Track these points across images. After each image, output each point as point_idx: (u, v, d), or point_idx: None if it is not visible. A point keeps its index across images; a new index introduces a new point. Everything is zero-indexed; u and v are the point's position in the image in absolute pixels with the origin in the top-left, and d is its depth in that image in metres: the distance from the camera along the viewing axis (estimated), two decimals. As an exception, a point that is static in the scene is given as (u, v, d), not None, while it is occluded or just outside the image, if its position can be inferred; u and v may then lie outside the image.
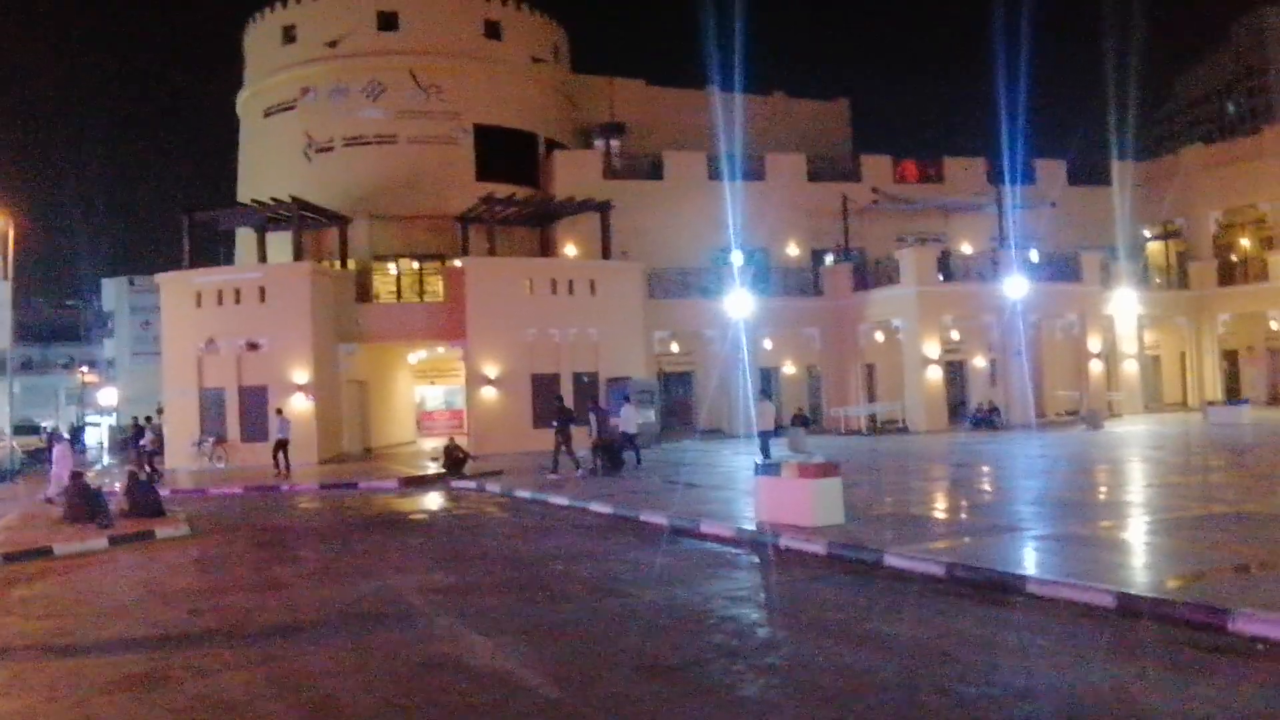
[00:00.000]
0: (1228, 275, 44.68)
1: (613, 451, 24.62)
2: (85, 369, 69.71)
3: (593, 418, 24.90)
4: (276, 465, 28.19)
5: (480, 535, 16.68)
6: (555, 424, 24.81)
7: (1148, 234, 47.30)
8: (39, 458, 34.92)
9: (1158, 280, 45.69)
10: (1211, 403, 39.31)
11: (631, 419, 26.26)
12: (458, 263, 35.32)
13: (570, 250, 39.07)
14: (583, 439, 25.10)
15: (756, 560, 12.65)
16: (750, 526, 14.29)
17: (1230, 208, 45.05)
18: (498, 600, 10.76)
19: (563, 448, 24.48)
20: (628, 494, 19.54)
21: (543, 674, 7.73)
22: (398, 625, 9.73)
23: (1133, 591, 9.06)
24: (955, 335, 39.36)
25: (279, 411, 30.30)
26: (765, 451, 23.53)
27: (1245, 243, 45.58)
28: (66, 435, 29.69)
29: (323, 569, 13.43)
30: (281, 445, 28.48)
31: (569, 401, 28.62)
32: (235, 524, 18.86)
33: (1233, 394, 42.79)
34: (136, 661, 8.63)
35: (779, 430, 29.59)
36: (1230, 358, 45.39)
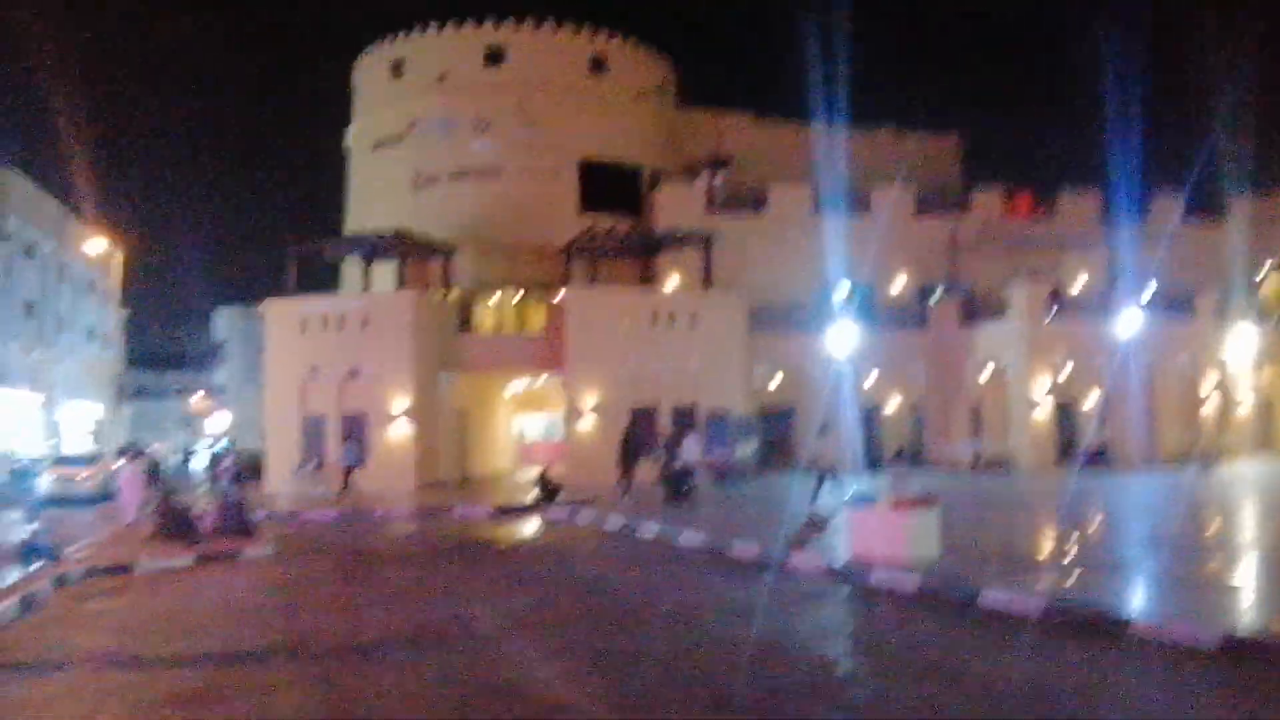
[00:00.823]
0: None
1: (675, 482, 24.95)
2: (200, 394, 71.43)
3: (663, 451, 26.12)
4: (345, 486, 29.42)
5: (563, 564, 16.56)
6: (624, 453, 26.11)
7: (1269, 270, 44.99)
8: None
9: (1276, 318, 43.40)
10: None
11: (693, 451, 26.36)
12: (559, 294, 35.27)
13: (673, 283, 38.79)
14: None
15: (845, 595, 12.27)
16: (841, 561, 13.82)
17: None
18: (571, 629, 10.50)
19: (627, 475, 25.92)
20: (720, 525, 19.20)
21: (606, 704, 7.33)
22: (464, 650, 9.51)
23: (1237, 634, 8.55)
24: (1065, 373, 37.89)
25: (349, 437, 31.58)
26: (815, 495, 22.70)
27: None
28: (143, 456, 30.09)
29: (400, 592, 13.40)
30: (349, 470, 29.75)
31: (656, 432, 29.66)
32: (323, 547, 19.01)
33: None
34: (192, 678, 8.56)
35: (879, 465, 28.83)
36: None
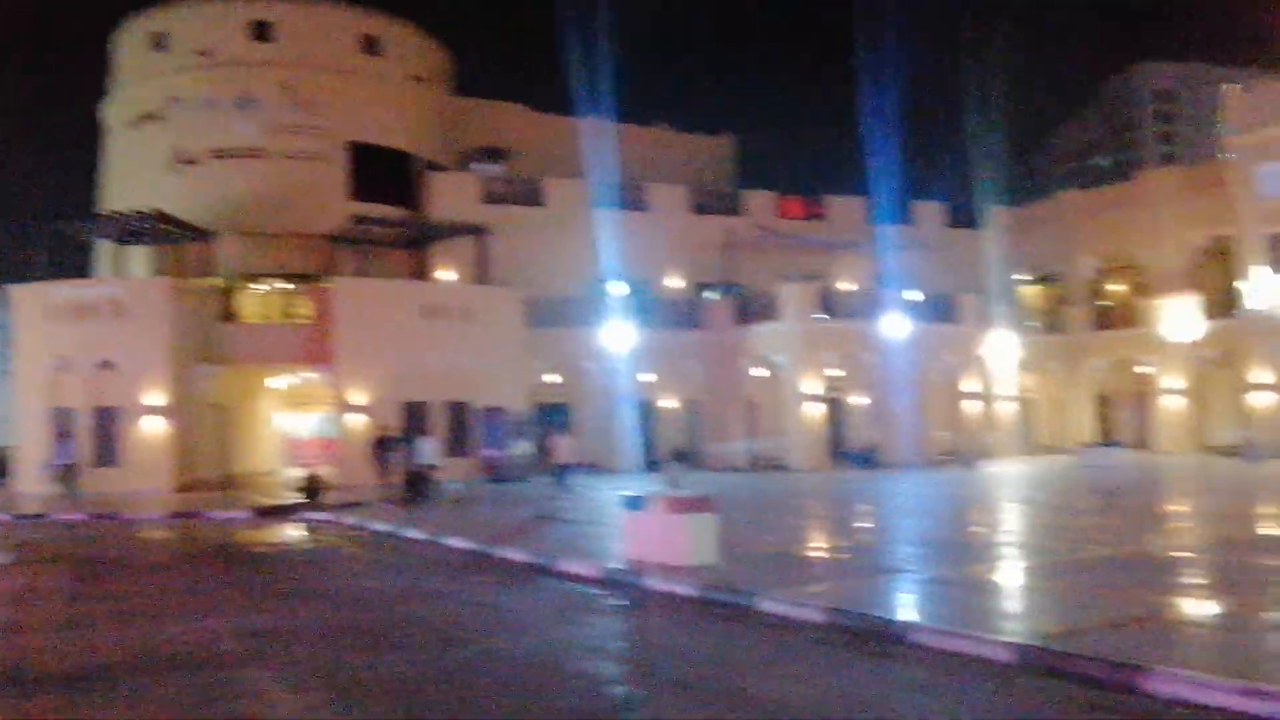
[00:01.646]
0: (1102, 321, 45.46)
1: (410, 483, 24.91)
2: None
3: (397, 450, 26.57)
4: (67, 487, 27.41)
5: (323, 571, 15.66)
6: (379, 453, 26.48)
7: (1024, 278, 47.82)
8: None
9: (1034, 324, 46.16)
10: (1083, 445, 39.76)
11: (427, 451, 26.25)
12: (327, 284, 33.66)
13: (447, 275, 37.73)
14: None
15: (621, 603, 11.75)
16: (617, 565, 13.34)
17: (1106, 254, 45.81)
18: (322, 648, 9.56)
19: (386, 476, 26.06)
20: (490, 529, 18.47)
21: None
22: (195, 675, 8.44)
23: (1032, 643, 8.33)
24: (836, 373, 38.99)
25: (62, 435, 29.84)
26: (563, 489, 23.07)
27: (1119, 289, 46.33)
28: None
29: (139, 607, 12.20)
30: (67, 469, 27.81)
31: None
32: (65, 553, 17.56)
33: (1104, 437, 43.31)
34: None
35: (656, 465, 28.90)
36: (1103, 402, 46.00)
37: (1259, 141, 37.60)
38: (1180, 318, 40.95)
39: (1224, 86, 40.19)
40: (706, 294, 41.38)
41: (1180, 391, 41.41)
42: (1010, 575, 12.64)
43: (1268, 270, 37.37)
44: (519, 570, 14.34)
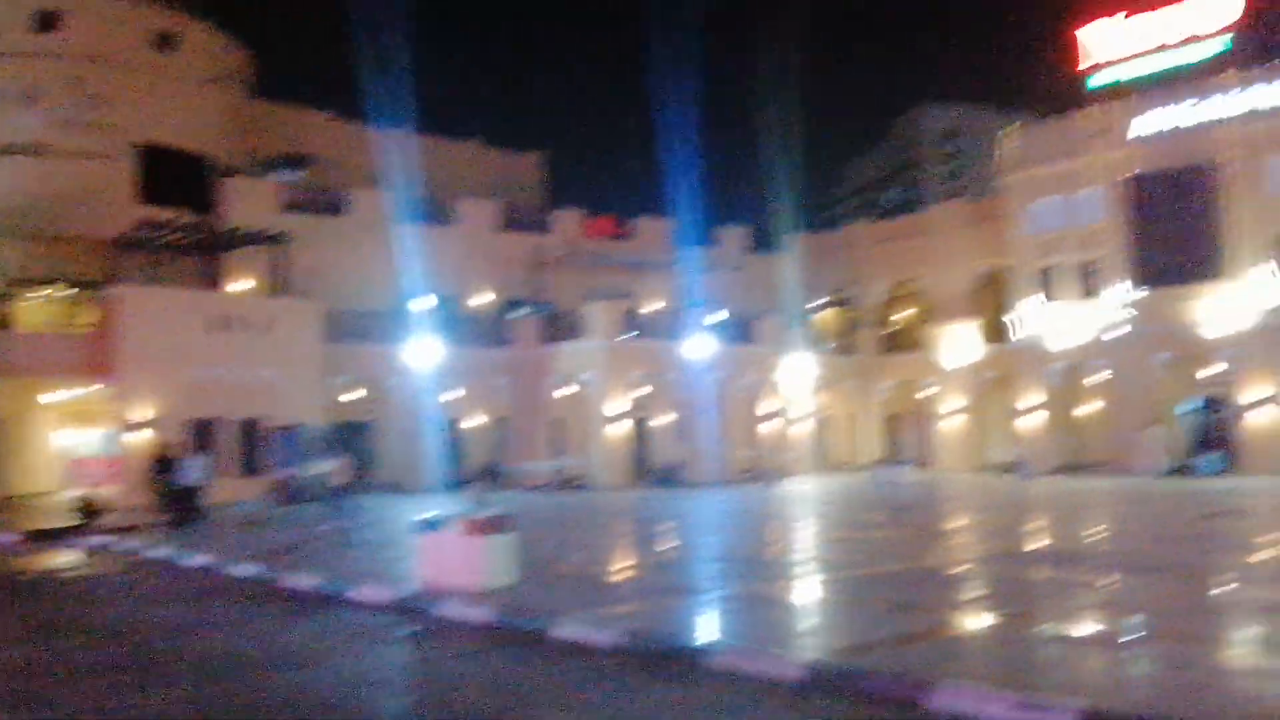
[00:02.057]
0: (891, 344, 47.47)
1: (174, 503, 23.99)
2: None
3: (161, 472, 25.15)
4: None
5: (92, 601, 14.41)
6: (157, 473, 25.02)
7: (820, 302, 49.44)
8: None
9: (828, 346, 47.75)
10: (873, 463, 41.26)
11: (195, 471, 24.99)
12: (111, 292, 31.54)
13: (242, 285, 35.98)
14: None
15: (412, 632, 11.13)
16: (411, 591, 12.75)
17: (894, 281, 47.88)
18: (84, 687, 8.67)
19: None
20: (278, 554, 17.46)
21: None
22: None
23: (823, 661, 8.35)
24: (641, 392, 39.21)
25: None
26: (339, 514, 21.96)
27: (906, 314, 48.46)
28: None
29: None
30: None
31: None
32: None
33: (892, 455, 45.04)
34: None
35: (462, 484, 28.31)
36: (891, 422, 47.94)
37: (1031, 179, 40.06)
38: (960, 343, 43.24)
39: (1002, 128, 42.58)
40: (514, 311, 40.92)
41: (960, 412, 43.64)
42: (806, 592, 12.75)
43: (1039, 299, 39.76)
44: (307, 598, 13.60)
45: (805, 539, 20.47)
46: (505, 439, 39.57)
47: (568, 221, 43.87)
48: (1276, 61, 34.87)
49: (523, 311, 40.62)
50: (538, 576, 13.36)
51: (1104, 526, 21.70)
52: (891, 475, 36.20)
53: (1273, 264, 34.33)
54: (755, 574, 14.36)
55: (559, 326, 39.00)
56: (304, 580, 14.47)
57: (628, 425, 37.33)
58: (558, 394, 38.82)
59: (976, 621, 10.69)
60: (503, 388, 38.79)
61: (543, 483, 36.65)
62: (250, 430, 31.93)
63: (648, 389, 39.36)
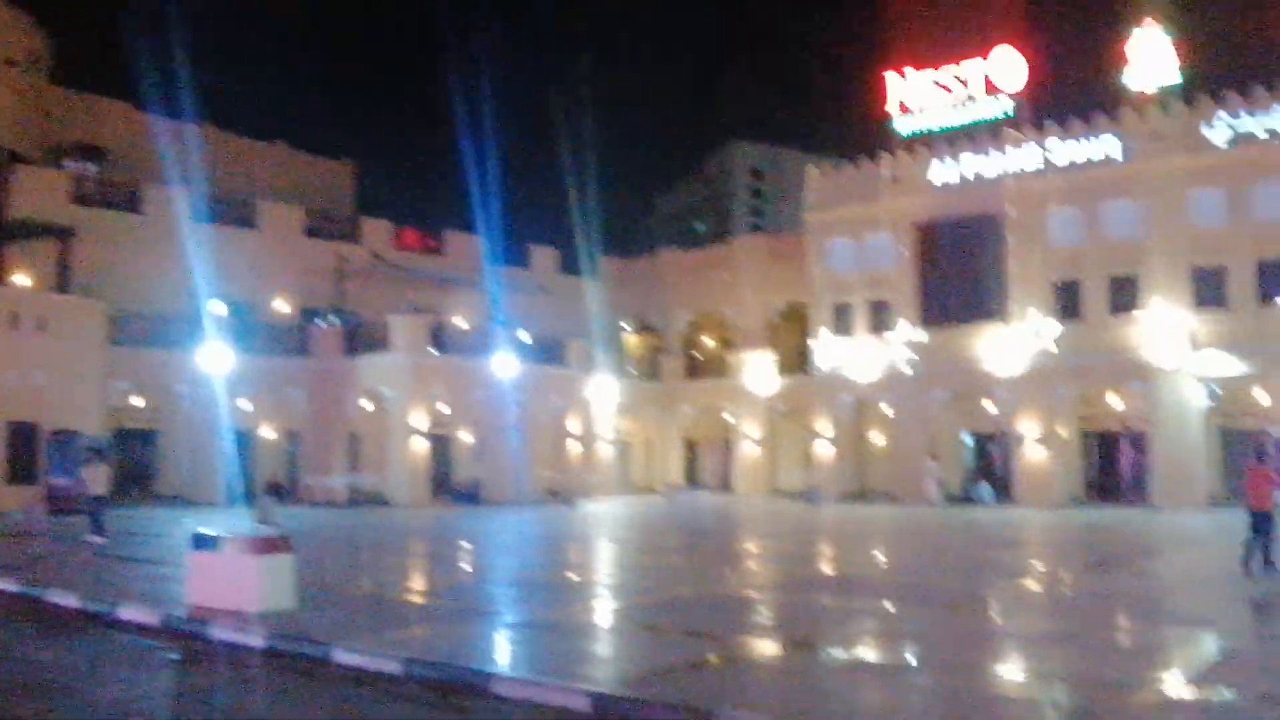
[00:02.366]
0: (693, 371, 48.40)
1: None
2: None
3: None
4: None
5: None
6: None
7: (627, 327, 50.01)
8: None
9: (634, 371, 48.31)
10: (672, 486, 41.95)
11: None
12: None
13: (21, 280, 33.47)
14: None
15: (179, 656, 10.31)
16: (180, 612, 11.87)
17: (698, 310, 48.91)
18: None
19: None
20: (41, 568, 16.15)
21: None
22: None
23: (609, 691, 8.13)
24: (444, 409, 38.57)
25: None
26: (98, 527, 20.50)
27: (709, 342, 49.54)
28: None
29: None
30: None
31: None
32: None
33: (691, 479, 45.98)
34: None
35: (252, 498, 27.17)
36: (690, 447, 48.90)
37: (832, 219, 41.62)
38: (759, 372, 44.46)
39: (807, 167, 44.18)
40: (315, 321, 39.52)
41: (757, 439, 44.79)
42: (599, 617, 12.64)
43: (834, 335, 41.27)
44: (69, 618, 12.51)
45: (601, 562, 20.49)
46: (300, 452, 38.15)
47: (376, 232, 42.78)
48: (1060, 123, 37.44)
49: (324, 321, 39.30)
50: (322, 599, 12.73)
51: (886, 555, 22.48)
52: (688, 499, 36.98)
53: (1049, 309, 36.80)
54: (550, 598, 14.21)
55: (362, 339, 37.89)
56: (67, 598, 13.34)
57: (428, 442, 36.63)
58: (357, 407, 37.74)
59: (763, 649, 10.73)
60: (300, 399, 37.37)
61: (337, 498, 35.53)
62: (23, 435, 29.62)
63: (451, 406, 38.90)
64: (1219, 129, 34.50)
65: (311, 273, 39.94)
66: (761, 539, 26.28)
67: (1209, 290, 34.41)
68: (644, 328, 50.69)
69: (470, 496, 36.41)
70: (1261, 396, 34.98)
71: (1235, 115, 34.34)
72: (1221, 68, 38.28)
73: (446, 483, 38.36)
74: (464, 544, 23.20)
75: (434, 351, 37.34)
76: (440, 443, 38.59)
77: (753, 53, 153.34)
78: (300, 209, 41.29)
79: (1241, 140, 34.10)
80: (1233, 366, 33.77)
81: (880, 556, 22.23)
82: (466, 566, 19.30)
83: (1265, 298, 33.37)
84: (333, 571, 15.98)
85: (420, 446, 36.21)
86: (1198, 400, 34.57)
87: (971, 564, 20.19)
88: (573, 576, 17.52)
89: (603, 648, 10.77)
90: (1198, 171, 34.64)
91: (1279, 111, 33.66)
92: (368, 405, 37.66)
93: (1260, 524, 16.19)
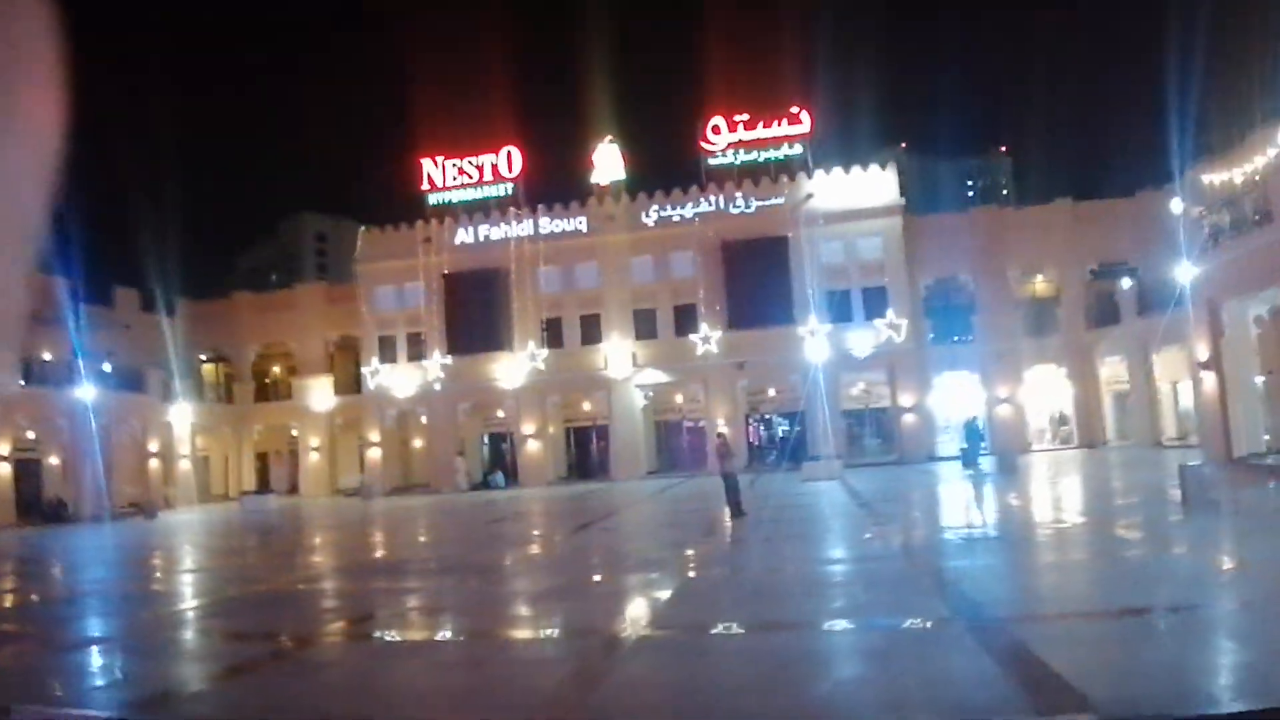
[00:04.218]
0: (262, 394, 52.84)
1: None
2: None
3: None
4: None
5: None
6: None
7: (205, 357, 53.64)
8: None
9: (211, 396, 52.27)
10: (246, 493, 46.26)
11: None
12: None
13: None
14: None
15: None
16: None
17: (267, 342, 53.09)
18: None
19: None
20: None
21: None
22: None
23: (113, 715, 7.23)
24: (30, 434, 40.03)
25: None
26: None
27: (277, 370, 54.10)
28: None
29: None
30: None
31: None
32: None
33: (263, 486, 50.05)
34: None
35: None
36: (262, 458, 53.34)
37: (379, 270, 48.17)
38: (320, 393, 50.27)
39: (361, 229, 50.07)
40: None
41: (318, 449, 50.28)
42: (144, 630, 11.54)
43: (380, 361, 47.89)
44: None
45: (165, 570, 19.84)
46: None
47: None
48: (547, 204, 46.64)
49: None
50: None
51: (424, 536, 24.57)
52: (259, 504, 40.09)
53: (540, 340, 45.98)
54: (100, 613, 13.27)
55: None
56: None
57: (8, 466, 37.20)
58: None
59: (301, 649, 10.01)
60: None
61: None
62: None
63: (37, 433, 39.92)
64: (650, 214, 45.68)
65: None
66: (317, 532, 28.12)
67: (645, 325, 45.22)
68: (220, 358, 53.70)
69: (56, 515, 36.87)
70: (679, 397, 46.65)
71: (661, 206, 45.65)
72: (653, 171, 49.23)
73: (36, 503, 38.83)
74: (30, 563, 22.39)
75: (21, 383, 37.46)
76: (28, 467, 39.33)
77: (319, 135, 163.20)
78: None
79: (663, 222, 45.47)
80: (660, 378, 44.97)
81: (421, 538, 24.11)
82: (41, 584, 18.49)
83: (680, 331, 44.84)
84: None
85: (2, 470, 36.97)
86: (640, 402, 45.35)
87: (489, 537, 22.10)
88: (131, 588, 16.46)
89: (143, 664, 9.57)
90: (636, 243, 45.37)
91: (689, 205, 45.40)
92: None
93: (727, 482, 20.17)
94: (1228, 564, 12.12)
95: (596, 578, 14.88)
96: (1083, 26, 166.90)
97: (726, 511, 20.29)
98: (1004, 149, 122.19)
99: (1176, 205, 29.53)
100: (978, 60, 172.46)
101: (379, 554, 20.81)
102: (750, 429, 45.94)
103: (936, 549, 15.03)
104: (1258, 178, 24.76)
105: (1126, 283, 41.00)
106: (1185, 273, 27.88)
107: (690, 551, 16.78)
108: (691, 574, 14.23)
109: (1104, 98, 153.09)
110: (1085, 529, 16.41)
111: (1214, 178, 26.78)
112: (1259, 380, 26.98)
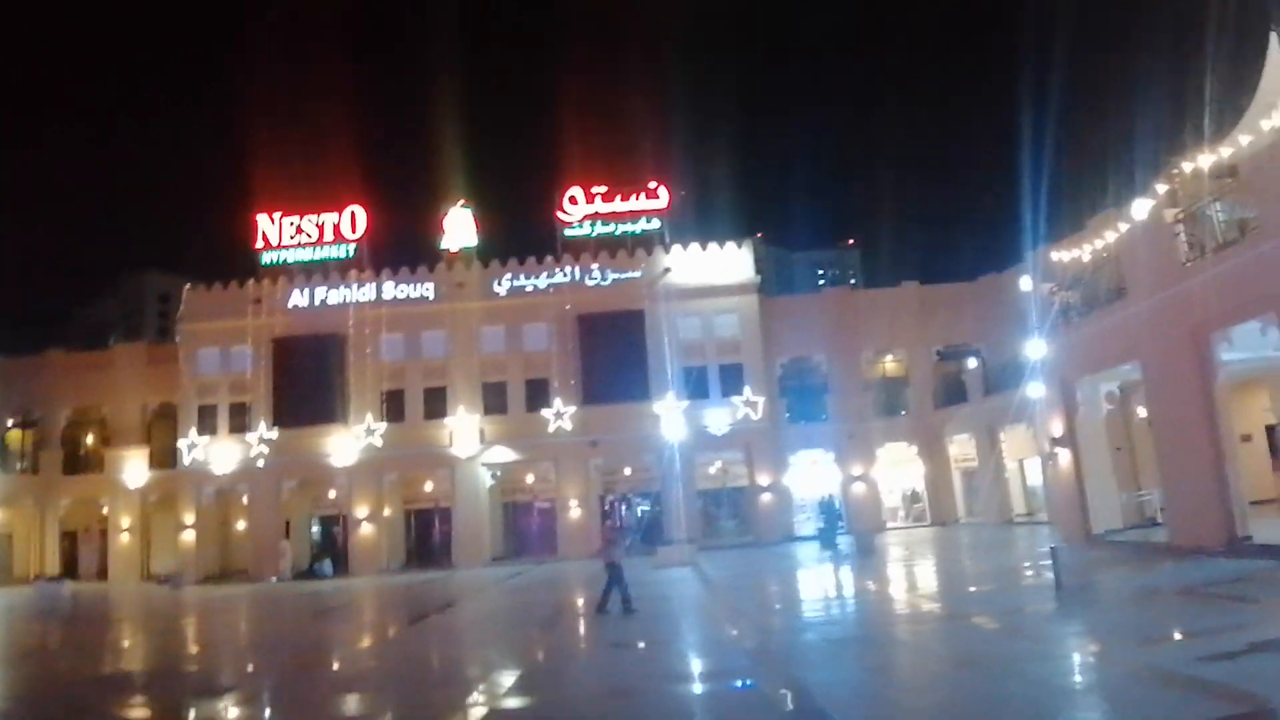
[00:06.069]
0: (72, 465, 46.09)
1: None
2: None
3: None
4: None
5: None
6: None
7: (10, 422, 47.54)
8: None
9: (15, 465, 46.29)
10: (39, 578, 40.22)
11: None
12: None
13: None
14: None
15: None
16: None
17: (79, 407, 46.74)
18: None
19: None
20: None
21: None
22: None
23: None
24: None
25: None
26: None
27: (89, 438, 47.97)
28: None
29: None
30: None
31: None
32: None
33: (68, 569, 43.70)
34: None
35: None
36: (70, 537, 46.42)
37: (203, 330, 42.63)
38: (134, 466, 44.00)
39: (185, 286, 44.92)
40: None
41: (129, 529, 43.84)
42: None
43: (198, 432, 42.20)
44: None
45: None
46: None
47: None
48: (391, 267, 42.58)
49: None
50: None
51: (209, 637, 21.99)
52: (51, 591, 34.85)
53: (379, 413, 42.08)
54: None
55: None
56: None
57: None
58: None
59: None
60: None
61: None
62: None
63: None
64: (502, 283, 42.55)
65: None
66: (97, 629, 25.01)
67: (494, 399, 41.17)
68: (28, 423, 47.48)
69: None
70: (529, 477, 43.20)
71: (514, 275, 42.53)
72: (507, 239, 46.78)
73: None
74: None
75: None
76: None
77: (166, 192, 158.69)
78: None
79: (515, 292, 42.34)
80: (509, 456, 41.57)
81: (211, 636, 21.88)
82: None
83: (531, 406, 41.75)
84: None
85: None
86: (487, 481, 41.50)
87: (285, 638, 19.98)
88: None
89: None
90: (487, 312, 41.61)
91: (544, 275, 42.53)
92: None
93: (612, 573, 17.71)
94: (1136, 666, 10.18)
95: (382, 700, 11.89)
96: (930, 119, 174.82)
97: (580, 605, 18.54)
98: (852, 241, 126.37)
99: (1026, 283, 28.42)
100: (828, 153, 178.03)
101: (146, 662, 17.59)
102: (605, 510, 42.92)
103: (793, 656, 12.99)
104: (1105, 255, 23.72)
105: (972, 363, 41.51)
106: (1036, 349, 26.69)
107: (511, 674, 13.05)
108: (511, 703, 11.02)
109: (950, 186, 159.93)
110: (966, 623, 14.41)
111: (1064, 255, 25.74)
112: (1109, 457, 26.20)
